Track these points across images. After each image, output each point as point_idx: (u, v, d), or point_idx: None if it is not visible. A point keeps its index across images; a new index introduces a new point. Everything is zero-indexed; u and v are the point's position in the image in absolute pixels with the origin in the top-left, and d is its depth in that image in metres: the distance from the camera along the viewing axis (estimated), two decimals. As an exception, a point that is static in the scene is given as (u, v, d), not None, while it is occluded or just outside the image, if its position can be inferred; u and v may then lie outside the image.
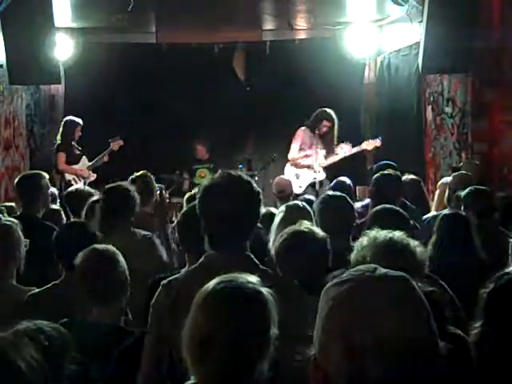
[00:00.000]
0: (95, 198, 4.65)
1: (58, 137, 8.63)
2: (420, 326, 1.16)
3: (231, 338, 1.78)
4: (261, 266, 2.48)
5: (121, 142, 8.85)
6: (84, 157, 8.74)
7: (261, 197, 2.54)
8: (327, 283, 1.26)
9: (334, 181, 6.56)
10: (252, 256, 2.47)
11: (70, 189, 5.52)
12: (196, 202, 2.50)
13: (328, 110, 8.42)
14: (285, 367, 2.17)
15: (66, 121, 8.67)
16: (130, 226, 4.19)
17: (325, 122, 8.39)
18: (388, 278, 1.20)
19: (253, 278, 1.89)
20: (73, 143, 8.64)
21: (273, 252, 3.61)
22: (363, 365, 1.13)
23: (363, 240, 2.56)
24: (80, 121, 8.61)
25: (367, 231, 2.67)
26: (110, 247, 3.02)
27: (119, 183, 4.37)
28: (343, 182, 6.29)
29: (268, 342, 1.82)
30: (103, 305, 2.88)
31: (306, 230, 3.07)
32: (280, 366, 2.18)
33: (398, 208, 3.75)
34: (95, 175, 8.73)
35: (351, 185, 6.38)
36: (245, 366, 1.79)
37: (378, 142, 8.31)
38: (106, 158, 8.81)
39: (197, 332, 1.80)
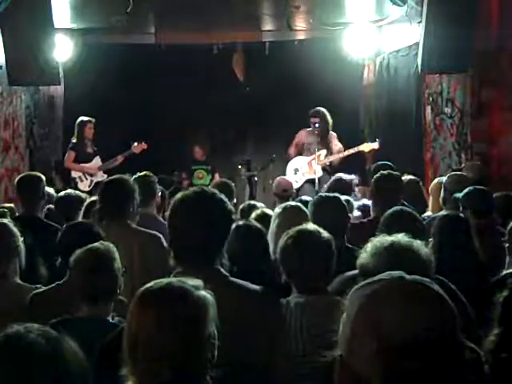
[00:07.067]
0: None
1: (74, 137, 8.74)
2: (448, 324, 1.23)
3: (159, 339, 1.76)
4: (231, 278, 2.42)
5: (144, 146, 8.84)
6: (98, 157, 8.78)
7: (233, 216, 2.51)
8: (332, 284, 1.28)
9: (332, 178, 6.50)
10: (222, 270, 2.42)
11: (59, 193, 5.45)
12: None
13: (316, 108, 8.52)
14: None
15: (77, 121, 8.74)
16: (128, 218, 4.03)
17: (312, 119, 8.50)
18: (416, 281, 1.28)
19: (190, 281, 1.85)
20: (86, 142, 8.72)
21: (273, 256, 3.60)
22: (397, 360, 1.18)
23: (367, 246, 2.54)
24: (87, 119, 8.69)
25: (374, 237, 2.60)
26: (105, 246, 2.97)
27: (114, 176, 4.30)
28: (341, 179, 6.20)
29: (201, 338, 1.78)
30: (94, 303, 2.86)
31: (312, 229, 3.07)
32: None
33: (411, 210, 3.71)
34: (105, 176, 8.64)
35: (350, 181, 6.30)
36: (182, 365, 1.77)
37: (375, 145, 8.34)
38: (119, 160, 8.81)
39: (130, 335, 1.81)
